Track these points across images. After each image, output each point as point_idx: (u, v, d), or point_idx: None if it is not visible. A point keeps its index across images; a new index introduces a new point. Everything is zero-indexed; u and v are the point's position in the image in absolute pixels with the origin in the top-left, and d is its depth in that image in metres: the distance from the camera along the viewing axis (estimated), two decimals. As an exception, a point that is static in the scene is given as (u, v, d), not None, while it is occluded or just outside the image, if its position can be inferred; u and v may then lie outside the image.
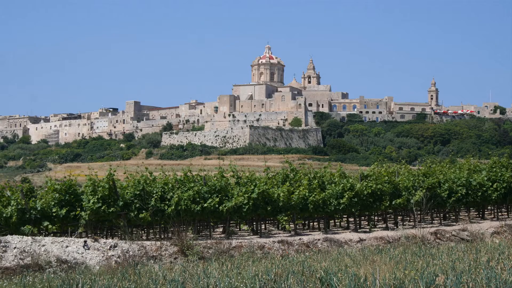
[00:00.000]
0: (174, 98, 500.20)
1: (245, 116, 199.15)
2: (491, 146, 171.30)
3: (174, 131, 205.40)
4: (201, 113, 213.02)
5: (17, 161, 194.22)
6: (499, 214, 30.20)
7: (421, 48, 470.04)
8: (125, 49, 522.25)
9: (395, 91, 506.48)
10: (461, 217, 29.67)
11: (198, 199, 21.90)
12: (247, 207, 22.35)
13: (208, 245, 20.12)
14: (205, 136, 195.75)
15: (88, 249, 18.73)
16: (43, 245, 18.41)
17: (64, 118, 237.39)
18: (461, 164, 30.91)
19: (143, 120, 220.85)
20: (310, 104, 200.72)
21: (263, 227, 27.52)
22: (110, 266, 17.57)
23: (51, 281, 15.06)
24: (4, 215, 20.18)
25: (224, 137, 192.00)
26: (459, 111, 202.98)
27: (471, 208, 29.91)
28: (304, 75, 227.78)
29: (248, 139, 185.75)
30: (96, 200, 20.41)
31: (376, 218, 28.89)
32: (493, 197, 27.73)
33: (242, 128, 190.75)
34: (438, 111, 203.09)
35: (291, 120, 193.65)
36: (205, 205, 21.82)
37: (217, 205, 21.95)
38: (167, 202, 21.62)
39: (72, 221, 20.86)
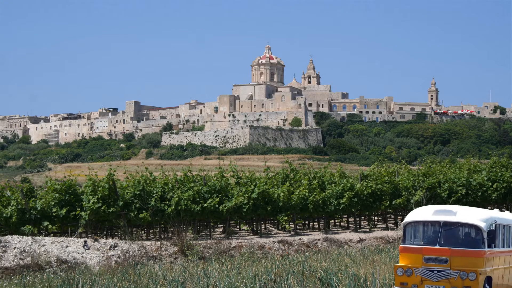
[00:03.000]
0: (174, 98, 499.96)
1: (245, 116, 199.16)
2: (491, 146, 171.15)
3: (174, 131, 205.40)
4: (201, 113, 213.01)
5: (17, 161, 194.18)
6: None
7: (421, 48, 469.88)
8: (125, 49, 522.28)
9: (395, 91, 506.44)
10: (461, 217, 29.65)
11: (198, 199, 21.90)
12: (247, 207, 22.35)
13: (208, 245, 20.13)
14: (205, 136, 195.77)
15: (88, 249, 18.73)
16: (43, 245, 18.42)
17: (64, 118, 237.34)
18: (461, 164, 30.92)
19: (143, 120, 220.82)
20: (310, 104, 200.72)
21: (263, 227, 27.51)
22: (110, 266, 17.57)
23: (51, 281, 15.07)
24: (4, 215, 20.18)
25: (224, 137, 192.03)
26: (459, 111, 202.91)
27: (471, 208, 29.89)
28: (304, 75, 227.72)
29: (248, 139, 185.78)
30: (96, 200, 20.41)
31: (376, 218, 28.89)
32: (493, 197, 27.73)
33: (242, 128, 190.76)
34: (438, 111, 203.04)
35: (291, 120, 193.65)
36: (205, 205, 21.82)
37: (217, 205, 21.95)
38: (167, 202, 21.62)
39: (72, 221, 20.86)
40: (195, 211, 21.70)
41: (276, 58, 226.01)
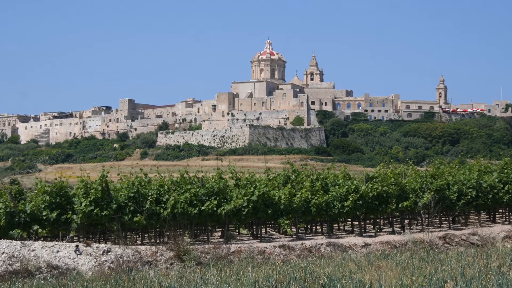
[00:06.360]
0: (170, 96, 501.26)
1: (245, 114, 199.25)
2: (502, 146, 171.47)
3: (170, 130, 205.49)
4: (198, 111, 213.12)
5: (5, 162, 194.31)
6: (511, 217, 30.19)
7: (429, 43, 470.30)
8: (118, 45, 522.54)
9: (402, 88, 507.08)
10: (471, 220, 29.68)
11: (195, 202, 21.91)
12: (246, 210, 22.36)
13: (206, 250, 20.13)
14: (202, 135, 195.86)
15: (80, 254, 18.73)
16: (33, 250, 18.42)
17: (55, 117, 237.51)
18: (471, 165, 30.86)
19: (137, 119, 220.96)
20: (313, 102, 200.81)
21: (263, 231, 27.53)
22: (103, 272, 17.58)
23: (41, 288, 15.07)
24: (-8, 218, 20.19)
25: (223, 136, 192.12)
26: (469, 110, 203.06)
27: (482, 211, 29.92)
28: (307, 71, 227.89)
29: (247, 138, 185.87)
30: (88, 203, 20.41)
31: (382, 221, 28.90)
32: (505, 200, 27.72)
33: (241, 128, 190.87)
34: (447, 109, 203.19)
35: (292, 119, 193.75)
36: (203, 208, 21.82)
37: (215, 208, 21.96)
38: (163, 205, 21.63)
39: (63, 224, 20.87)
40: (192, 214, 21.71)
41: (277, 54, 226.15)
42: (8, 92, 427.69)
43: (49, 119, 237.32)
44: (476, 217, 29.72)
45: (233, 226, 26.50)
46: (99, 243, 21.63)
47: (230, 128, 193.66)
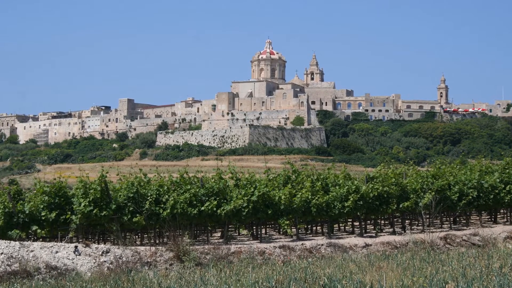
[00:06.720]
0: (170, 96, 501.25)
1: (245, 114, 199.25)
2: (504, 146, 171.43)
3: (170, 130, 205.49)
4: (198, 111, 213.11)
5: (4, 162, 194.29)
6: (512, 218, 30.18)
7: (430, 43, 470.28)
8: (118, 45, 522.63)
9: (402, 88, 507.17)
10: (472, 221, 29.67)
11: (195, 202, 21.91)
12: (246, 210, 22.36)
13: (206, 250, 20.13)
14: (202, 135, 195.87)
15: (79, 254, 18.73)
16: (32, 251, 18.41)
17: (53, 117, 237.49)
18: (472, 165, 30.86)
19: (137, 119, 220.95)
20: (313, 102, 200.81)
21: (263, 231, 27.52)
22: (102, 273, 17.57)
23: (40, 289, 15.06)
24: (-9, 219, 20.18)
25: (223, 136, 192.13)
26: (470, 110, 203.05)
27: (483, 212, 29.90)
28: (307, 71, 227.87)
29: (247, 138, 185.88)
30: (87, 203, 20.41)
31: (382, 222, 28.89)
32: (506, 200, 27.71)
33: (241, 127, 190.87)
34: (448, 109, 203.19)
35: (293, 119, 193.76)
36: (203, 208, 21.82)
37: (215, 209, 21.95)
38: (162, 205, 21.63)
39: (62, 225, 20.86)
40: (192, 215, 21.71)
41: (277, 53, 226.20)
42: (7, 92, 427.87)
43: (48, 119, 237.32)
44: (477, 218, 29.72)
45: (233, 226, 26.50)
46: (98, 244, 21.62)
47: (230, 128, 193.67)
